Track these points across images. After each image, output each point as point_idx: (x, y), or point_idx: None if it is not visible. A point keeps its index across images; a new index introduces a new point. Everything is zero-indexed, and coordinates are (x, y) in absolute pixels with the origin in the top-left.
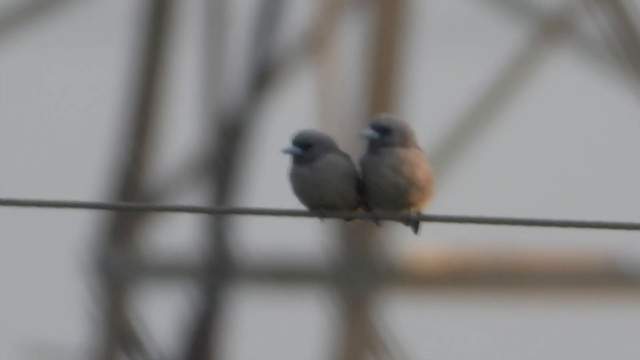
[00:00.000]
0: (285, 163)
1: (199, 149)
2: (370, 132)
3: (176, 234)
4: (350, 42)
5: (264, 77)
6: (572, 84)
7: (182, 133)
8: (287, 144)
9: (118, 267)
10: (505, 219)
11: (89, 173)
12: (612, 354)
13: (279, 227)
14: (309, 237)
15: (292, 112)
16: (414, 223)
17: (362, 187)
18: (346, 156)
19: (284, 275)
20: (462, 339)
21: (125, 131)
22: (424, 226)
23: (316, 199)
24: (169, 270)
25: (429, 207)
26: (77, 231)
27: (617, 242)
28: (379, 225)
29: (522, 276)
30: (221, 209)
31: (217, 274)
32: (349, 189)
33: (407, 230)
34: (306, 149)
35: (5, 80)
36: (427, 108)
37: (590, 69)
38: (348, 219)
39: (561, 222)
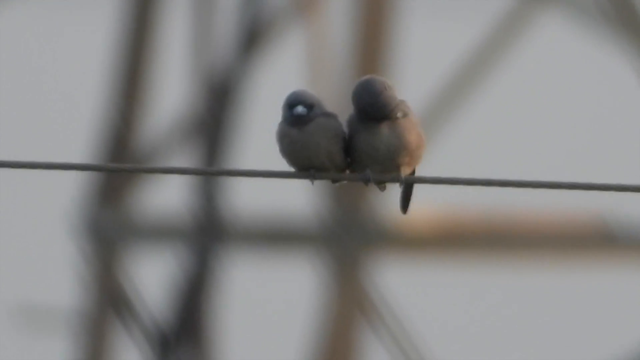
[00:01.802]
0: (275, 123)
1: (188, 110)
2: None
3: (166, 196)
4: (339, 2)
5: (253, 37)
6: (562, 44)
7: (171, 94)
8: (285, 106)
9: (108, 229)
10: (496, 180)
11: (79, 134)
12: (602, 315)
13: (269, 188)
14: (299, 198)
15: (282, 72)
16: (406, 185)
17: (348, 148)
18: (334, 116)
19: (275, 236)
20: (452, 300)
21: (115, 92)
22: (416, 187)
23: (304, 161)
24: (159, 232)
25: (416, 170)
26: (67, 193)
27: (607, 203)
28: (367, 185)
29: (513, 238)
30: (211, 170)
31: (208, 235)
32: (337, 150)
33: (397, 191)
34: (310, 109)
35: None
36: (417, 68)
37: (581, 30)
38: (336, 181)
39: (552, 183)
